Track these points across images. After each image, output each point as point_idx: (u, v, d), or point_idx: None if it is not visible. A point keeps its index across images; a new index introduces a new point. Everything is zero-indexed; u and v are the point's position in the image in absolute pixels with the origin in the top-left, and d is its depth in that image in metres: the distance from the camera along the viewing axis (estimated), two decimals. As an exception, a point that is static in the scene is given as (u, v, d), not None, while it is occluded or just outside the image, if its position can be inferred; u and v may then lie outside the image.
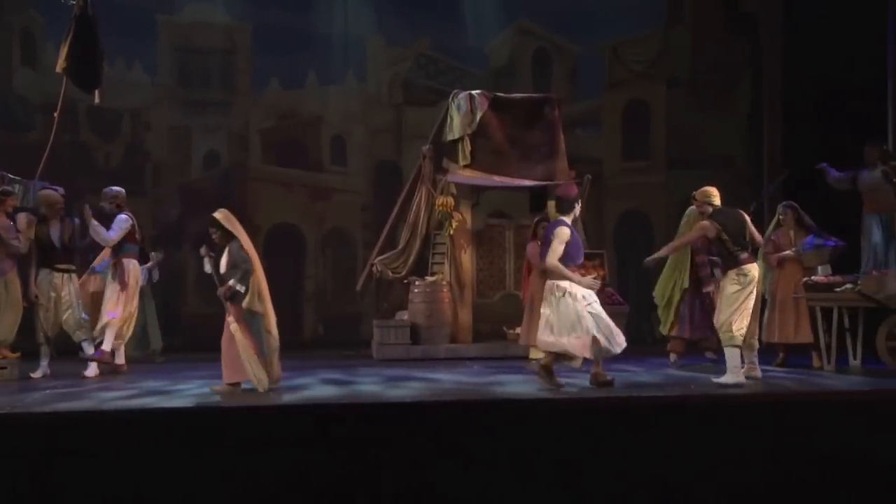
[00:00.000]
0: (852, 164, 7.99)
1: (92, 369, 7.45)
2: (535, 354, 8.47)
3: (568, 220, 6.37)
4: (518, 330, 9.39)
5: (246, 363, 6.14)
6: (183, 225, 11.49)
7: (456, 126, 9.63)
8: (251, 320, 6.24)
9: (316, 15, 12.16)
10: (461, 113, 9.60)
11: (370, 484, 4.93)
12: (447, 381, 7.03)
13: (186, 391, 6.39)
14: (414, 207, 9.88)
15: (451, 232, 9.55)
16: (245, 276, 6.19)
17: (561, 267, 6.21)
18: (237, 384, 6.30)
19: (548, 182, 9.59)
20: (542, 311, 6.33)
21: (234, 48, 12.13)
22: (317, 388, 6.62)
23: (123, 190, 7.84)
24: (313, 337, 11.71)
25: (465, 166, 9.60)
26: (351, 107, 12.37)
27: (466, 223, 9.71)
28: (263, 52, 11.97)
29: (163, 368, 8.16)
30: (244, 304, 6.17)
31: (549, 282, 6.35)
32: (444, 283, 9.46)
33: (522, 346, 8.29)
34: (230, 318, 6.23)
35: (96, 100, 8.03)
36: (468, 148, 9.59)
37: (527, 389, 6.40)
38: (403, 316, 9.44)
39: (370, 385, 6.78)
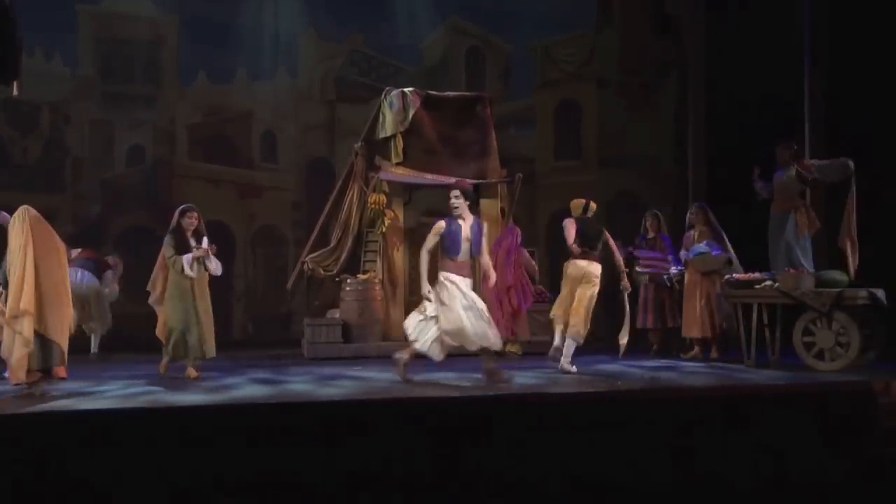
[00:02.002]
0: (773, 163, 8.20)
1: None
2: (511, 347, 8.61)
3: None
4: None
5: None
6: (105, 222, 11.15)
7: (388, 124, 9.60)
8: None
9: (245, 8, 11.97)
10: (393, 110, 9.58)
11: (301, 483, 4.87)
12: (379, 379, 6.99)
13: (108, 392, 6.18)
14: (346, 205, 9.80)
15: (384, 230, 9.52)
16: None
17: (423, 262, 6.56)
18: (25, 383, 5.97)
19: (480, 180, 9.66)
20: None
21: (160, 40, 11.83)
22: (245, 387, 6.51)
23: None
24: (243, 336, 11.53)
25: (398, 164, 9.58)
26: (282, 103, 12.21)
27: (399, 221, 9.68)
28: (191, 45, 11.71)
29: (88, 370, 7.88)
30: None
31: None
32: (377, 281, 9.42)
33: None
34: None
35: (14, 92, 7.73)
36: (400, 146, 9.57)
37: (459, 387, 6.42)
38: (335, 314, 9.36)
39: (301, 384, 6.70)
